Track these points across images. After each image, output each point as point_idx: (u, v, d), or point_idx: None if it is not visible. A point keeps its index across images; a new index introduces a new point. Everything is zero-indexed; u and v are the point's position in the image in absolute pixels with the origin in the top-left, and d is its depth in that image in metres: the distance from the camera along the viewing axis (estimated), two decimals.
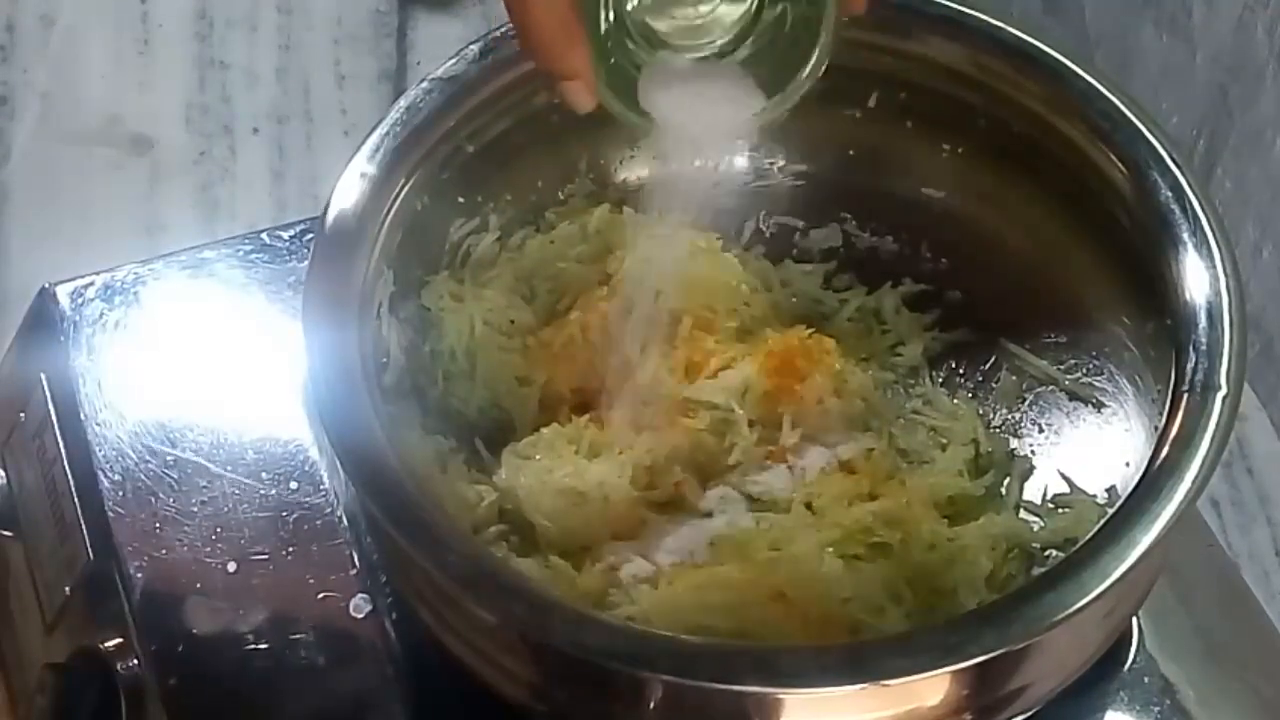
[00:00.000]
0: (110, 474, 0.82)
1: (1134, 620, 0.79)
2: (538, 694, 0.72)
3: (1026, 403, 0.84)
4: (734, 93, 0.72)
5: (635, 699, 0.69)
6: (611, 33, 0.70)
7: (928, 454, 0.83)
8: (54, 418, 0.85)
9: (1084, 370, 0.82)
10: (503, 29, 0.80)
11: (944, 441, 0.83)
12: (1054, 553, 0.78)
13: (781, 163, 0.88)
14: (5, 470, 0.89)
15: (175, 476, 0.82)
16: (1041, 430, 0.83)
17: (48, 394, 0.86)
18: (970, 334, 0.86)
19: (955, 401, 0.85)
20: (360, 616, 0.79)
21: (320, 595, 0.79)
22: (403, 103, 0.80)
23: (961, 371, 0.86)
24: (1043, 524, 0.80)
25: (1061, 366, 0.83)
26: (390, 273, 0.78)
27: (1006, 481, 0.82)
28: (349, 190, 0.77)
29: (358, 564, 0.80)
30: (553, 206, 0.86)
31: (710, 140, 0.78)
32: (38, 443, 0.86)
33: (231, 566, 0.80)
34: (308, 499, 0.82)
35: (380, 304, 0.77)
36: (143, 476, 0.82)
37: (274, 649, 0.78)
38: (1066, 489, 0.80)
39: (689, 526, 0.79)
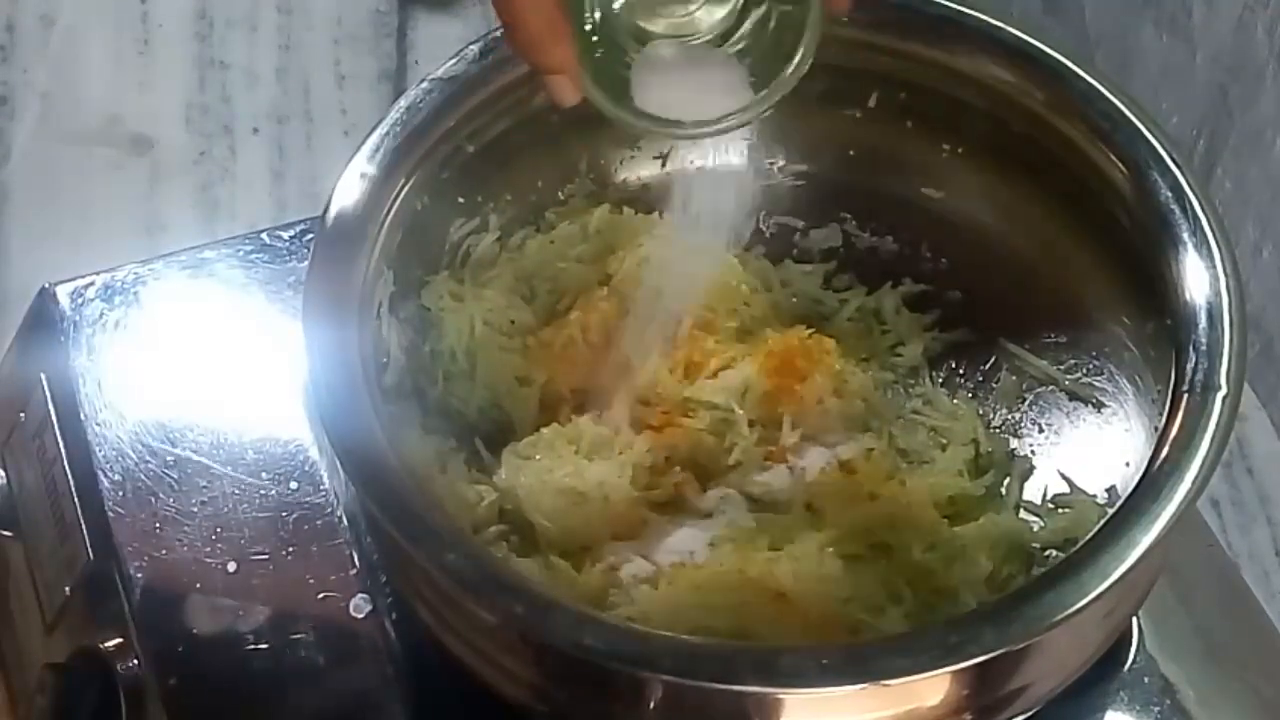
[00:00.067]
0: (110, 474, 0.82)
1: (1134, 620, 0.79)
2: (538, 694, 0.72)
3: (1026, 403, 0.84)
4: (725, 80, 0.72)
5: (635, 699, 0.69)
6: (599, 30, 0.71)
7: (928, 454, 0.83)
8: (54, 418, 0.85)
9: (1084, 370, 0.82)
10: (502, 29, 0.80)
11: (944, 441, 0.83)
12: (1054, 553, 0.78)
13: (781, 163, 0.88)
14: (5, 470, 0.89)
15: (175, 476, 0.82)
16: (1041, 430, 0.83)
17: (48, 394, 0.86)
18: (970, 334, 0.86)
19: (955, 401, 0.85)
20: (360, 616, 0.79)
21: (320, 595, 0.79)
22: (403, 103, 0.80)
23: (961, 371, 0.86)
24: (1043, 524, 0.80)
25: (1061, 366, 0.83)
26: (390, 273, 0.78)
27: (1006, 481, 0.82)
28: (349, 190, 0.77)
29: (358, 564, 0.80)
30: (553, 206, 0.86)
31: (699, 126, 0.78)
32: (38, 443, 0.86)
33: (231, 566, 0.80)
34: (308, 499, 0.82)
35: (380, 304, 0.77)
36: (143, 476, 0.82)
37: (274, 649, 0.78)
38: (1066, 489, 0.80)
39: (689, 526, 0.79)
